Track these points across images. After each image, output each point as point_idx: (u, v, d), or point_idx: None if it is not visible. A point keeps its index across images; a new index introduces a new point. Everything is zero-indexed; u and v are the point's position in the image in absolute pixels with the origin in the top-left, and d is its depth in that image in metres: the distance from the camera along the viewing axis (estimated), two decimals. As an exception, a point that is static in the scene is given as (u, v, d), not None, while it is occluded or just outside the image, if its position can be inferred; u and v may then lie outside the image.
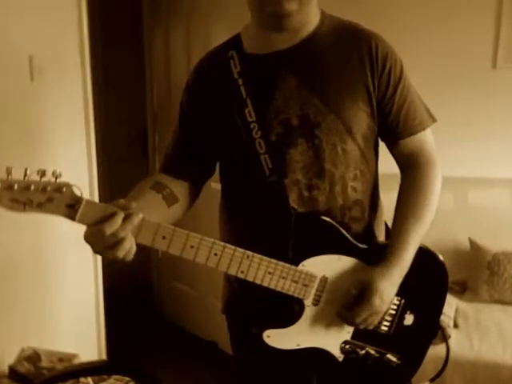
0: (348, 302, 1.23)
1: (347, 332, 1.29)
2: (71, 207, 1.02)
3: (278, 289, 1.21)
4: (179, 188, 1.31)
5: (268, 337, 1.25)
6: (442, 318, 1.39)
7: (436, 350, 1.39)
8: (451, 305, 2.39)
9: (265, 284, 1.19)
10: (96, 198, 2.46)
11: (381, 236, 1.39)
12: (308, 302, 1.25)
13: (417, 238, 1.27)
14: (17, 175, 0.98)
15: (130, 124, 3.80)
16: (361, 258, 1.26)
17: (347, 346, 1.29)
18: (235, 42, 1.32)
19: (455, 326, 2.34)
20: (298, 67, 1.25)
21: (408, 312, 1.32)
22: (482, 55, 2.77)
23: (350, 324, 1.26)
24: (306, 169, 1.26)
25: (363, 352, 1.30)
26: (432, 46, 2.74)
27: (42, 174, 0.99)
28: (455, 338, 2.25)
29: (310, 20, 1.27)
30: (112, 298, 2.93)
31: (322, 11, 1.31)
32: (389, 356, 1.33)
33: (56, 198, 1.01)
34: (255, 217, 1.30)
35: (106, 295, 2.68)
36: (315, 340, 1.28)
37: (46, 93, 2.08)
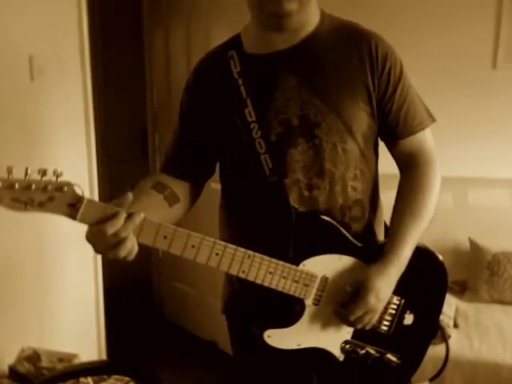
0: (344, 299, 1.23)
1: (347, 332, 1.29)
2: (72, 206, 1.02)
3: (279, 289, 1.21)
4: (180, 188, 1.31)
5: (269, 337, 1.25)
6: (442, 317, 1.39)
7: (436, 350, 1.40)
8: (451, 305, 2.39)
9: (266, 284, 1.19)
10: (96, 198, 2.45)
11: (381, 235, 1.39)
12: (309, 301, 1.25)
13: (414, 236, 1.26)
14: (17, 174, 0.98)
15: (130, 124, 3.80)
16: (361, 257, 1.26)
17: (347, 346, 1.29)
18: (235, 42, 1.32)
19: (455, 326, 2.34)
20: (297, 67, 1.25)
21: (408, 312, 1.32)
22: (482, 55, 2.77)
23: (346, 322, 1.25)
24: (307, 168, 1.26)
25: (363, 352, 1.30)
26: (432, 45, 2.75)
27: (43, 173, 0.99)
28: (455, 338, 2.25)
29: (309, 20, 1.27)
30: (112, 297, 2.93)
31: (322, 11, 1.31)
32: (389, 356, 1.33)
33: (57, 197, 1.01)
34: (255, 217, 1.30)
35: (105, 295, 2.68)
36: (316, 340, 1.28)
37: (46, 93, 2.08)
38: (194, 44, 3.01)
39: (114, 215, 1.03)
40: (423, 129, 1.33)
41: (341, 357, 1.30)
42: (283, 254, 1.21)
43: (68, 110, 2.27)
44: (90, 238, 1.05)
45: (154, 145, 3.53)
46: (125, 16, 3.66)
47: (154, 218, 1.09)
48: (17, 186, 0.98)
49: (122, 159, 3.77)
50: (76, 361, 1.82)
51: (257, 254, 1.17)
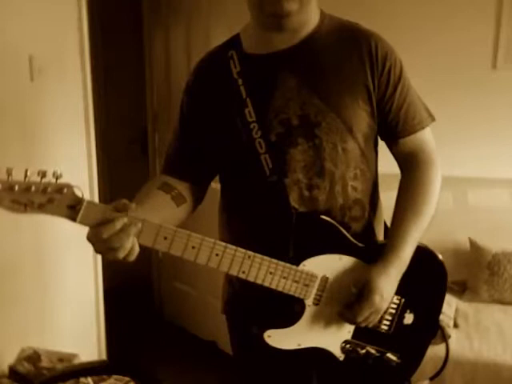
0: (349, 301, 1.23)
1: (348, 331, 1.29)
2: (72, 208, 1.02)
3: (279, 289, 1.21)
4: (184, 189, 1.31)
5: (269, 337, 1.25)
6: (442, 317, 1.39)
7: (435, 350, 1.40)
8: (451, 305, 2.39)
9: (266, 284, 1.19)
10: (96, 198, 2.46)
11: (380, 235, 1.39)
12: (309, 301, 1.25)
13: (415, 235, 1.27)
14: (17, 176, 0.98)
15: (130, 124, 3.80)
16: (361, 257, 1.26)
17: (348, 346, 1.29)
18: (235, 42, 1.32)
19: (455, 325, 2.34)
20: (297, 67, 1.25)
21: (408, 311, 1.32)
22: (482, 55, 2.77)
23: (352, 323, 1.26)
24: (307, 168, 1.26)
25: (364, 351, 1.30)
26: (432, 45, 2.74)
27: (43, 174, 0.99)
28: (455, 338, 2.25)
29: (309, 20, 1.27)
30: (112, 297, 2.93)
31: (322, 11, 1.31)
32: (389, 355, 1.33)
33: (57, 199, 1.01)
34: (256, 217, 1.30)
35: (105, 295, 2.68)
36: (316, 340, 1.28)
37: (46, 93, 2.08)
38: (194, 44, 3.01)
39: (111, 221, 1.02)
40: (423, 128, 1.33)
41: (341, 356, 1.30)
42: (283, 254, 1.21)
43: (68, 110, 2.27)
44: (90, 238, 1.05)
45: (154, 145, 3.53)
46: (125, 16, 3.65)
47: (163, 218, 1.10)
48: (16, 187, 0.98)
49: (122, 159, 3.77)
50: (76, 361, 1.82)
51: (257, 255, 1.17)
